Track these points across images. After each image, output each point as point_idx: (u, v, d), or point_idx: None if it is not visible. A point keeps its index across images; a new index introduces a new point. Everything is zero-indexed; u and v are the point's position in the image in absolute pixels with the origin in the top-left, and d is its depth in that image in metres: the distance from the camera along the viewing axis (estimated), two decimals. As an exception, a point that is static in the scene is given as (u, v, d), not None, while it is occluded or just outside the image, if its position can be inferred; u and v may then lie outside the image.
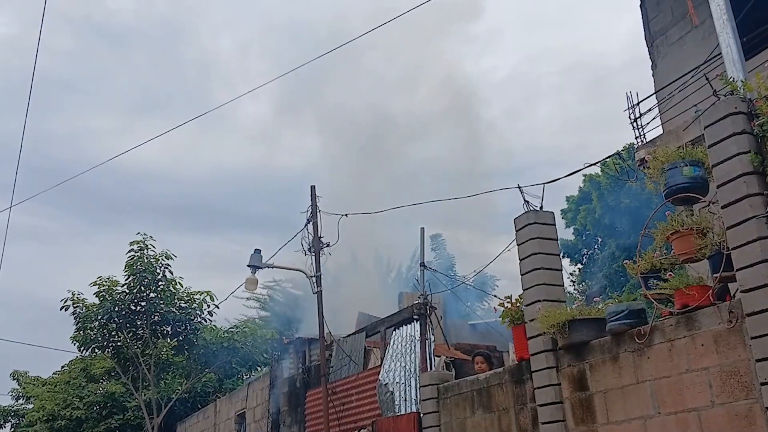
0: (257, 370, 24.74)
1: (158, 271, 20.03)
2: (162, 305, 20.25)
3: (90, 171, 20.84)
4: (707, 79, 6.82)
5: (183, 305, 20.72)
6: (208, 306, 21.09)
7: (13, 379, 33.32)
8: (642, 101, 8.95)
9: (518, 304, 7.89)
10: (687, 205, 6.35)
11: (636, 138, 9.11)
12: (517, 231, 7.84)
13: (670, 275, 5.97)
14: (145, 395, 21.48)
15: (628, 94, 8.94)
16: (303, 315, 22.06)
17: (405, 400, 10.62)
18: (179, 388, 23.04)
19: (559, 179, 8.29)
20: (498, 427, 8.12)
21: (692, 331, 5.68)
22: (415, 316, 11.00)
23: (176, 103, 72.88)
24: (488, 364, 9.64)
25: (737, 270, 5.17)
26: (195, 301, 20.92)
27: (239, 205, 70.66)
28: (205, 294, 21.12)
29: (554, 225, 7.80)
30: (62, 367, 30.87)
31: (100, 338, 20.74)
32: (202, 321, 21.28)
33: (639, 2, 10.93)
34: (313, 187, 13.41)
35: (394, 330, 11.62)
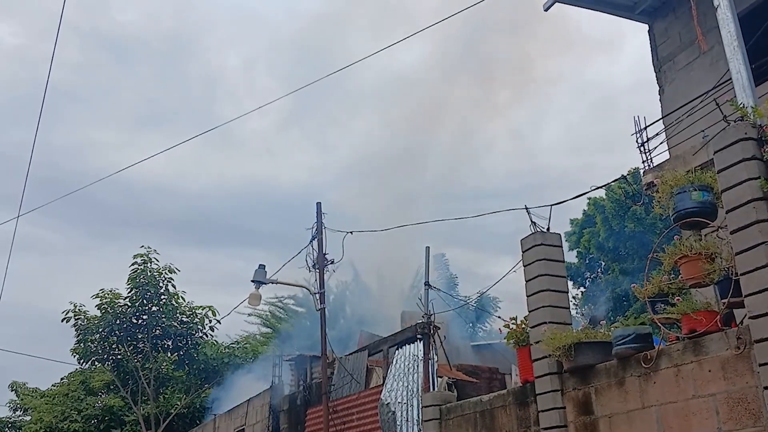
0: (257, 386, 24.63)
1: (161, 284, 20.03)
2: (164, 319, 20.22)
3: (95, 183, 20.87)
4: (717, 104, 6.84)
5: (185, 320, 20.68)
6: (210, 321, 21.05)
7: (12, 391, 33.17)
8: (649, 126, 8.98)
9: (523, 326, 7.86)
10: (695, 230, 6.34)
11: (643, 162, 9.12)
12: (523, 252, 7.83)
13: (677, 300, 5.95)
14: (144, 409, 21.37)
15: (636, 118, 8.97)
16: (304, 332, 22.01)
17: (407, 420, 10.55)
18: (178, 402, 22.92)
19: (566, 201, 8.30)
20: (501, 450, 8.06)
21: (699, 356, 5.65)
22: (418, 336, 10.96)
23: (182, 117, 73.13)
24: None
25: (746, 296, 5.16)
26: (197, 315, 20.89)
27: (244, 221, 70.67)
28: (207, 309, 21.09)
29: (561, 247, 7.79)
30: (61, 379, 30.73)
31: (100, 351, 20.68)
32: (204, 336, 21.23)
33: (647, 28, 11.00)
34: (319, 204, 13.44)
35: (397, 349, 11.57)
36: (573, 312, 24.63)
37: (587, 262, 25.16)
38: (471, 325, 23.99)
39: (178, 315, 20.43)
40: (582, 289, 25.90)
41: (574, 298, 25.60)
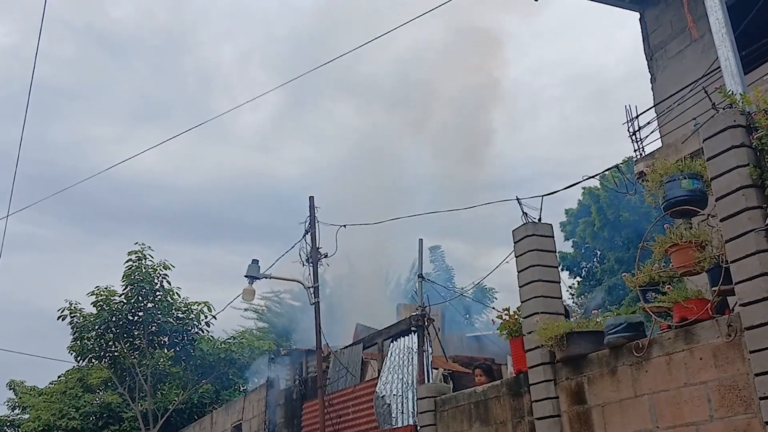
0: (254, 381, 24.65)
1: (156, 281, 19.99)
2: (159, 315, 20.19)
3: (89, 179, 20.77)
4: (706, 92, 6.81)
5: (180, 315, 20.65)
6: (206, 316, 21.03)
7: (10, 389, 33.16)
8: (641, 114, 8.95)
9: (516, 317, 7.86)
10: (686, 218, 6.33)
11: (635, 151, 9.10)
12: (515, 243, 7.82)
13: (668, 288, 5.94)
14: (141, 406, 21.37)
15: (627, 107, 8.93)
16: (300, 326, 22.01)
17: (402, 412, 10.56)
18: (176, 398, 22.91)
19: (557, 191, 8.29)
20: (495, 441, 8.06)
21: (691, 344, 5.65)
22: (413, 328, 10.96)
23: (176, 112, 73.07)
24: (488, 377, 9.58)
25: (736, 283, 5.15)
26: (192, 311, 20.86)
27: (238, 215, 70.62)
28: (203, 304, 21.06)
29: (553, 237, 7.78)
30: (59, 377, 30.68)
31: (97, 348, 20.65)
32: (200, 331, 21.22)
33: (639, 16, 10.96)
34: (311, 198, 13.39)
35: (392, 342, 11.56)
36: (570, 302, 24.67)
37: (582, 251, 25.21)
38: (467, 316, 24.02)
39: (173, 311, 20.41)
40: (578, 278, 25.95)
41: (570, 287, 25.65)
